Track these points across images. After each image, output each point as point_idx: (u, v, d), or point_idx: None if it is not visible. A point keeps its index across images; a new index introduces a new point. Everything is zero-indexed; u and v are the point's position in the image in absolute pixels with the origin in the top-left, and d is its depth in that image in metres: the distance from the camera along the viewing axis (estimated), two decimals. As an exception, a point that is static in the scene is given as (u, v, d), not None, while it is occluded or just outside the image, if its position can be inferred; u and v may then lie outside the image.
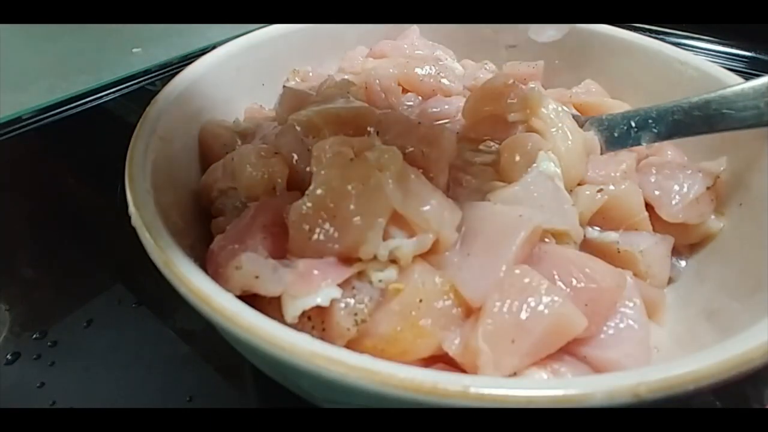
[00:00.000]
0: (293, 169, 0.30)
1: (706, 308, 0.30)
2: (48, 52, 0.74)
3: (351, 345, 0.25)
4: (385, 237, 0.26)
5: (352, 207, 0.25)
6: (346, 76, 0.44)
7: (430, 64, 0.43)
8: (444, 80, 0.42)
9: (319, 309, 0.24)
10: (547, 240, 0.29)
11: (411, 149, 0.29)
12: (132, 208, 0.26)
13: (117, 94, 0.62)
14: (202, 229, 0.31)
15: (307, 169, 0.27)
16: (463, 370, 0.24)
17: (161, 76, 0.66)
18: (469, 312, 0.25)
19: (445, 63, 0.46)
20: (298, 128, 0.31)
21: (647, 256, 0.31)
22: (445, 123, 0.38)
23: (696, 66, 0.38)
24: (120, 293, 0.38)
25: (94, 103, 0.61)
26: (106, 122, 0.59)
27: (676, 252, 0.33)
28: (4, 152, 0.54)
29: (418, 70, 0.42)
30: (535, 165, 0.31)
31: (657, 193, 0.33)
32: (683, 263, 0.34)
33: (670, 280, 0.33)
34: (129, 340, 0.35)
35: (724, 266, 0.32)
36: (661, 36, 0.44)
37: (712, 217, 0.33)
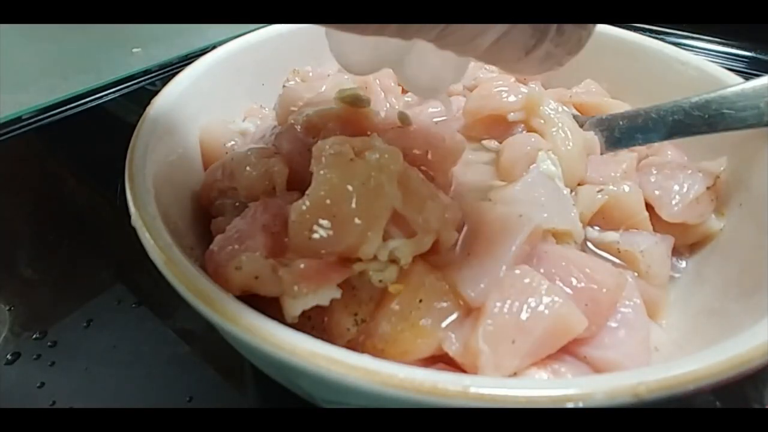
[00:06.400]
0: (293, 169, 0.30)
1: (706, 308, 0.30)
2: (48, 52, 0.74)
3: (351, 345, 0.25)
4: (385, 237, 0.26)
5: (352, 207, 0.25)
6: (346, 76, 0.44)
7: (430, 64, 0.43)
8: (444, 80, 0.42)
9: (319, 309, 0.24)
10: (547, 240, 0.29)
11: (415, 150, 0.29)
12: (132, 208, 0.26)
13: (117, 94, 0.62)
14: (202, 229, 0.31)
15: (308, 169, 0.27)
16: (463, 370, 0.24)
17: (161, 76, 0.66)
18: (469, 312, 0.25)
19: (445, 63, 0.46)
20: (298, 128, 0.31)
21: (647, 256, 0.31)
22: (445, 122, 0.38)
23: (696, 66, 0.38)
24: (120, 293, 0.38)
25: (94, 103, 0.61)
26: (106, 122, 0.59)
27: (676, 252, 0.33)
28: (4, 152, 0.54)
29: (418, 70, 0.42)
30: (535, 165, 0.32)
31: (657, 193, 0.33)
32: (683, 263, 0.34)
33: (670, 280, 0.33)
34: (129, 340, 0.35)
35: (724, 266, 0.32)
36: (661, 36, 0.44)
37: (712, 217, 0.33)
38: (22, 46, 0.74)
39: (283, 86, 0.42)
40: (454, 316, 0.25)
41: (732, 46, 0.67)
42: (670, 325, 0.31)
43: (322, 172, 0.26)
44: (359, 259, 0.26)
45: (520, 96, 0.34)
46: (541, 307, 0.24)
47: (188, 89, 0.36)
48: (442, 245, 0.27)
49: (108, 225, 0.45)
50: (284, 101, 0.36)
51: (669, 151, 0.37)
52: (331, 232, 0.25)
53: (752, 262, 0.30)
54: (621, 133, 0.35)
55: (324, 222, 0.25)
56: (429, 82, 0.28)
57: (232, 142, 0.36)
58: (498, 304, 0.24)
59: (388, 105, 0.40)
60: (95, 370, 0.33)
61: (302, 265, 0.25)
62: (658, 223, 0.33)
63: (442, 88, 0.29)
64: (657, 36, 0.42)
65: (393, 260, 0.26)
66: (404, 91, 0.42)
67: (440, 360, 0.25)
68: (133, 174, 0.28)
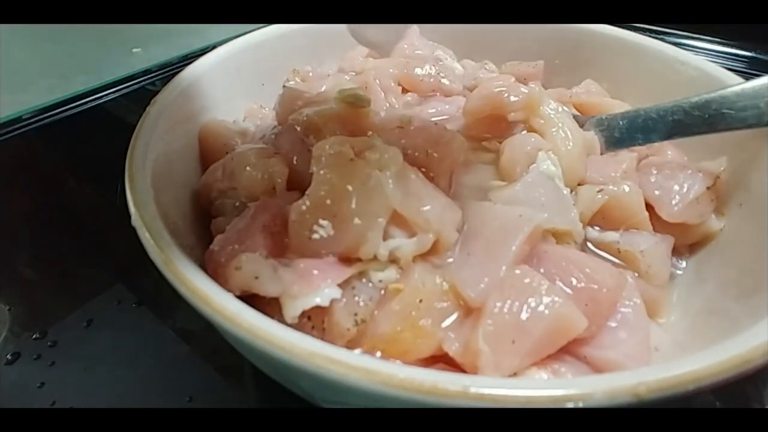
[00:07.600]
0: (293, 169, 0.30)
1: (706, 308, 0.30)
2: (48, 52, 0.74)
3: (351, 345, 0.25)
4: (385, 237, 0.26)
5: (352, 207, 0.25)
6: (346, 76, 0.44)
7: (430, 64, 0.43)
8: (444, 80, 0.42)
9: (319, 309, 0.24)
10: (547, 240, 0.29)
11: (415, 150, 0.29)
12: (132, 208, 0.26)
13: (117, 94, 0.62)
14: (202, 229, 0.31)
15: (308, 169, 0.27)
16: (463, 370, 0.24)
17: (161, 76, 0.66)
18: (469, 312, 0.25)
19: (445, 63, 0.46)
20: (298, 128, 0.31)
21: (648, 256, 0.31)
22: (445, 122, 0.38)
23: (696, 66, 0.38)
24: (120, 293, 0.38)
25: (94, 103, 0.61)
26: (106, 122, 0.59)
27: (676, 252, 0.33)
28: (4, 152, 0.54)
29: (418, 70, 0.42)
30: (535, 165, 0.31)
31: (657, 193, 0.33)
32: (683, 263, 0.34)
33: (671, 280, 0.33)
34: (129, 340, 0.35)
35: (724, 266, 0.32)
36: (661, 36, 0.44)
37: (712, 217, 0.33)
38: (22, 46, 0.74)
39: (283, 86, 0.42)
40: (454, 316, 0.25)
41: (732, 46, 0.67)
42: (670, 325, 0.31)
43: (322, 172, 0.26)
44: (359, 259, 0.26)
45: (520, 96, 0.34)
46: (541, 307, 0.24)
47: (188, 89, 0.36)
48: (442, 245, 0.27)
49: (108, 225, 0.45)
50: (284, 101, 0.36)
51: (669, 151, 0.37)
52: (331, 232, 0.25)
53: (752, 262, 0.30)
54: (621, 133, 0.35)
55: (324, 222, 0.25)
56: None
57: (232, 142, 0.36)
58: (498, 304, 0.24)
59: (388, 105, 0.40)
60: (95, 370, 0.33)
61: (302, 265, 0.25)
62: (658, 223, 0.33)
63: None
64: (657, 36, 0.42)
65: (393, 260, 0.26)
66: (404, 91, 0.42)
67: (440, 360, 0.25)
68: (133, 174, 0.28)
